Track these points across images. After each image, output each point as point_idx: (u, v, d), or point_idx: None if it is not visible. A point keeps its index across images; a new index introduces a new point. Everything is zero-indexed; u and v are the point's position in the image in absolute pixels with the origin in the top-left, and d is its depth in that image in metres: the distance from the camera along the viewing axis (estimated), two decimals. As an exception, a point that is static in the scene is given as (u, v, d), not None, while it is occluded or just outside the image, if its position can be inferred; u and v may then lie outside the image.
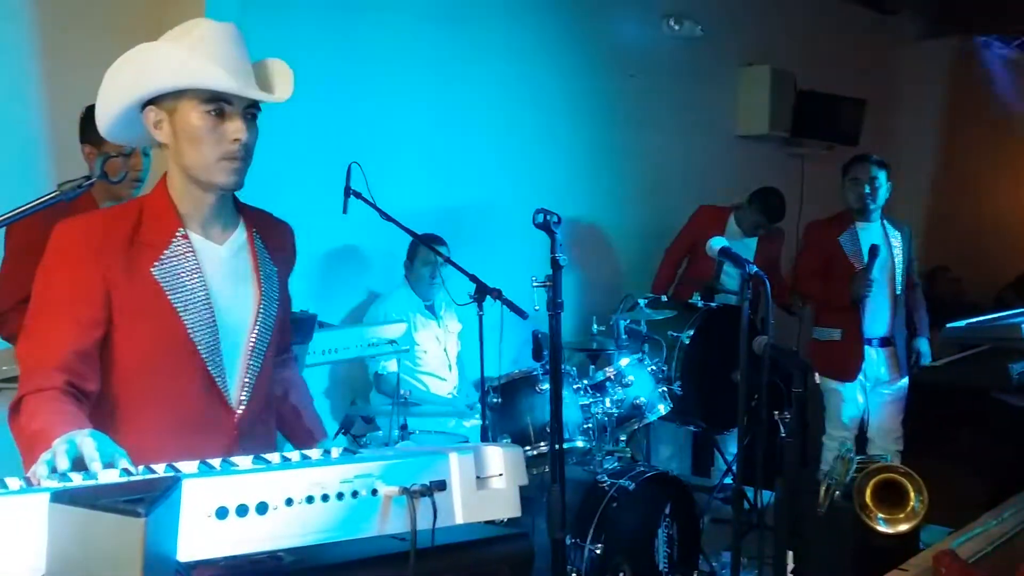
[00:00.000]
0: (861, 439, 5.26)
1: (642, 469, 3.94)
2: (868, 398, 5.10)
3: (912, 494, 3.99)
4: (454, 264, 4.01)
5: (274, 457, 1.64)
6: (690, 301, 5.01)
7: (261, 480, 1.44)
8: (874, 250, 4.80)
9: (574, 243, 5.48)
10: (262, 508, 1.42)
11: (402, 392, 3.84)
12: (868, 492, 4.02)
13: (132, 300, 1.91)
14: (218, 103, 1.90)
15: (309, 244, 4.51)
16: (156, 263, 1.93)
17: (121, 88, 1.91)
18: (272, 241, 2.14)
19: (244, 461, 1.62)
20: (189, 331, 1.94)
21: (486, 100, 5.30)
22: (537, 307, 2.84)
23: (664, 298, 4.93)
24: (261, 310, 2.06)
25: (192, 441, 1.91)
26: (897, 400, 5.16)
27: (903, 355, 5.11)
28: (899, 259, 5.01)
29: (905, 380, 5.15)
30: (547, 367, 3.78)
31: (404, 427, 3.73)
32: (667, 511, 3.87)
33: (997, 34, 8.09)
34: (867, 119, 7.21)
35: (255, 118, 1.96)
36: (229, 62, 1.88)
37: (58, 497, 1.25)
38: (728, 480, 5.27)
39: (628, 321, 4.61)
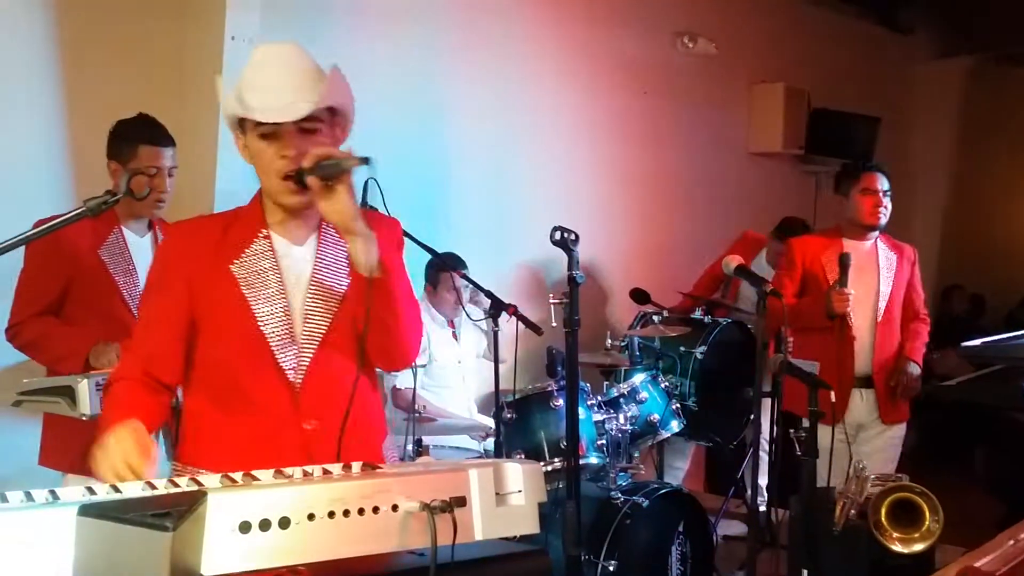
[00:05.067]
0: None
1: (656, 486, 3.93)
2: (852, 448, 4.10)
3: (928, 514, 3.96)
4: (473, 283, 4.04)
5: (296, 472, 1.65)
6: (693, 317, 4.92)
7: (284, 495, 1.45)
8: (844, 259, 4.08)
9: (588, 259, 5.48)
10: (284, 523, 1.43)
11: (417, 406, 3.85)
12: (883, 511, 4.00)
13: (210, 294, 2.05)
14: (265, 125, 1.98)
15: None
16: (236, 260, 2.06)
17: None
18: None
19: (266, 475, 1.63)
20: (259, 322, 2.03)
21: (501, 118, 5.33)
22: (554, 323, 2.86)
23: (666, 313, 4.90)
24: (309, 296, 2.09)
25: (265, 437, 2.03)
26: (886, 449, 4.36)
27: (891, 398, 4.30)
28: (886, 286, 4.29)
29: (899, 429, 4.38)
30: (562, 383, 3.78)
31: (419, 442, 3.74)
32: (681, 528, 3.87)
33: (1011, 53, 8.08)
34: (881, 137, 7.22)
35: (315, 132, 2.02)
36: (268, 84, 1.99)
37: (85, 511, 1.27)
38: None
39: (642, 337, 4.61)
